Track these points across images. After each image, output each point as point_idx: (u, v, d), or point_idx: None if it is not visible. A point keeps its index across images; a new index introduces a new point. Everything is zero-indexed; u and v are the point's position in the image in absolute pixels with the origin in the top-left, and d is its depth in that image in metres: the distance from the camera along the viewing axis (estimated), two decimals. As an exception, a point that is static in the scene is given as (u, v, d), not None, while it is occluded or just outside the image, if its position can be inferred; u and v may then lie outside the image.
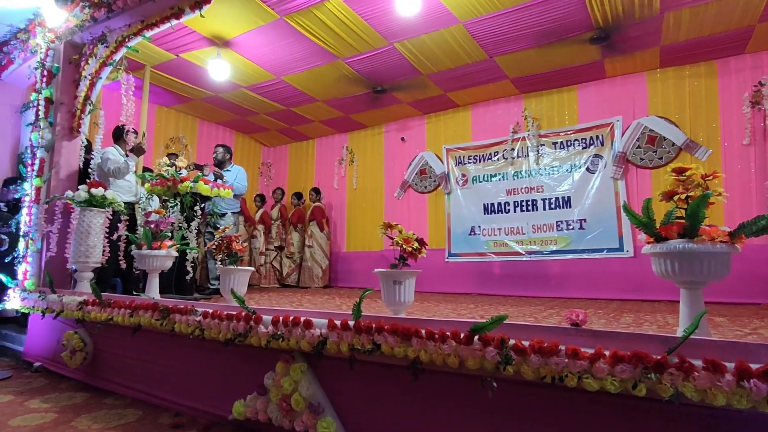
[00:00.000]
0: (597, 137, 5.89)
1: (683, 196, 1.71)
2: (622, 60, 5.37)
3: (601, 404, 1.58)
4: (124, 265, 4.36)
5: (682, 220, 1.71)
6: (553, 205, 6.09)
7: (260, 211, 7.78)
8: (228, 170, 5.62)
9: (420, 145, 7.33)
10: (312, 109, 7.12)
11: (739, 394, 1.32)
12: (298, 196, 7.96)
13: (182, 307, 2.81)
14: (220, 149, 5.77)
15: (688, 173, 1.73)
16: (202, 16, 3.80)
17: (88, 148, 4.87)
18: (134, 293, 3.47)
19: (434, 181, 7.09)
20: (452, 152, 6.97)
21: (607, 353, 1.51)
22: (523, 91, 6.33)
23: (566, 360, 1.55)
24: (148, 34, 4.17)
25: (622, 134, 5.69)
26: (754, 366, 1.33)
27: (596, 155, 5.86)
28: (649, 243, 1.78)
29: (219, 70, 5.39)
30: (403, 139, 7.51)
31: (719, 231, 1.61)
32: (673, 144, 5.38)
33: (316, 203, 7.71)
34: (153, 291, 3.43)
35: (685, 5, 4.24)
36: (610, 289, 5.50)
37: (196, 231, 4.60)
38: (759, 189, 4.89)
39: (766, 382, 1.29)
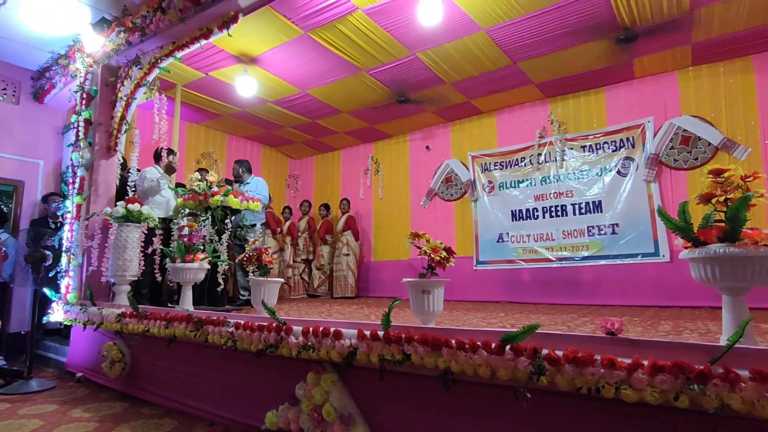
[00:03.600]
0: (627, 139, 5.74)
1: (722, 199, 1.65)
2: (651, 59, 5.24)
3: (641, 416, 1.52)
4: (159, 278, 4.49)
5: (722, 224, 1.65)
6: (583, 210, 5.95)
7: (287, 223, 7.88)
8: (247, 183, 5.72)
9: (445, 152, 7.31)
10: (337, 120, 7.21)
11: (789, 405, 1.26)
12: (326, 207, 8.03)
13: (215, 318, 2.87)
14: (236, 165, 5.90)
15: (726, 174, 1.67)
16: (229, 35, 3.92)
17: (124, 166, 5.08)
18: (169, 305, 3.57)
19: (460, 188, 7.05)
20: (478, 159, 6.92)
21: (645, 363, 1.46)
22: (548, 95, 6.24)
23: (602, 370, 1.50)
24: (179, 54, 4.33)
25: (654, 135, 5.53)
26: (805, 376, 1.27)
27: (627, 158, 5.71)
28: (686, 248, 1.72)
29: (246, 86, 5.53)
30: (427, 147, 7.50)
31: (762, 234, 1.54)
32: (709, 144, 5.19)
33: (348, 213, 7.76)
34: (187, 303, 3.51)
35: (717, 0, 4.11)
36: (646, 295, 5.31)
37: (226, 243, 4.70)
38: (804, 188, 4.65)
39: (819, 393, 1.23)
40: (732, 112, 5.13)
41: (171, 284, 4.88)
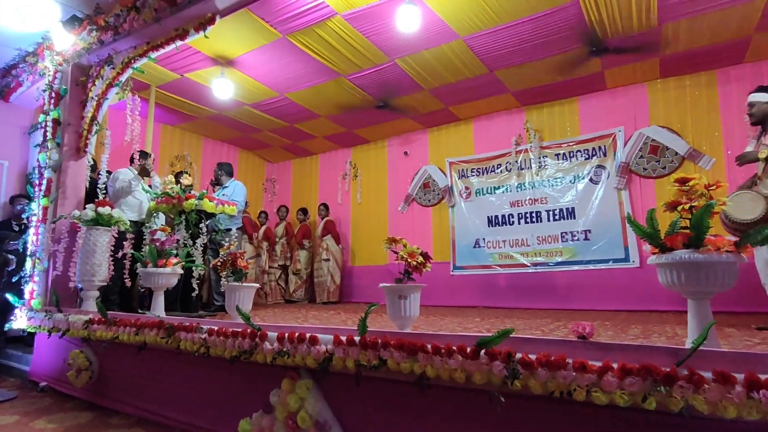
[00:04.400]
0: (599, 148, 5.90)
1: (687, 206, 1.71)
2: (622, 71, 5.41)
3: (611, 418, 1.55)
4: (129, 284, 4.37)
5: (687, 230, 1.71)
6: (557, 217, 6.08)
7: (263, 228, 7.79)
8: (225, 186, 5.66)
9: (423, 158, 7.37)
10: (315, 125, 7.19)
11: (749, 405, 1.31)
12: (304, 211, 7.97)
13: (187, 324, 2.81)
14: (218, 168, 5.84)
15: (691, 183, 1.74)
16: (206, 36, 3.87)
17: (94, 168, 4.94)
18: (139, 311, 3.48)
19: (438, 194, 7.11)
20: (455, 165, 6.99)
21: (615, 366, 1.49)
22: (524, 103, 6.37)
23: (574, 373, 1.53)
24: (154, 55, 4.25)
25: (625, 144, 5.70)
26: (763, 377, 1.32)
27: (599, 166, 5.87)
28: (654, 254, 1.78)
29: (223, 89, 5.47)
30: (406, 153, 7.55)
31: (725, 241, 1.61)
32: (676, 153, 5.38)
33: (327, 218, 7.72)
34: (158, 309, 3.43)
35: (683, 16, 4.28)
36: (617, 300, 5.45)
37: (201, 248, 4.62)
38: (764, 197, 4.85)
39: (777, 393, 1.28)
40: (697, 124, 5.33)
41: (142, 290, 4.75)
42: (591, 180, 5.90)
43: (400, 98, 6.17)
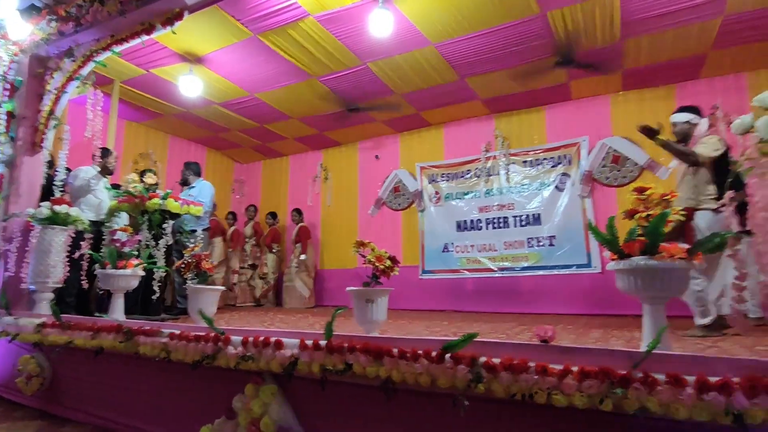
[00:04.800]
0: (565, 156, 6.07)
1: (644, 215, 1.77)
2: (586, 83, 5.59)
3: (570, 420, 1.59)
4: (86, 285, 4.19)
5: (644, 238, 1.77)
6: (523, 222, 6.22)
7: (232, 229, 7.64)
8: (192, 186, 5.52)
9: (394, 162, 7.40)
10: (286, 126, 7.11)
11: (699, 407, 1.36)
12: (273, 215, 7.86)
13: (147, 328, 2.72)
14: (186, 167, 5.70)
15: (648, 192, 1.81)
16: (173, 32, 3.77)
17: (51, 164, 4.72)
18: (97, 315, 3.34)
19: (408, 198, 7.14)
20: (426, 170, 7.05)
21: (575, 369, 1.53)
22: (493, 111, 6.49)
23: (536, 376, 1.56)
24: (118, 49, 4.10)
25: (588, 153, 5.88)
26: (712, 379, 1.38)
27: (564, 174, 6.04)
28: (613, 260, 1.84)
29: (191, 86, 5.34)
30: (377, 156, 7.56)
31: (678, 248, 1.68)
32: (636, 163, 5.60)
33: (301, 224, 7.59)
34: (117, 312, 3.30)
35: (644, 33, 4.47)
36: (579, 304, 5.61)
37: (164, 249, 4.48)
38: (716, 207, 5.11)
39: (724, 395, 1.34)
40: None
41: (101, 292, 4.57)
42: (556, 187, 6.07)
43: (371, 102, 6.18)
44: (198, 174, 5.72)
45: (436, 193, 6.91)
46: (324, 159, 8.17)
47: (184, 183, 5.69)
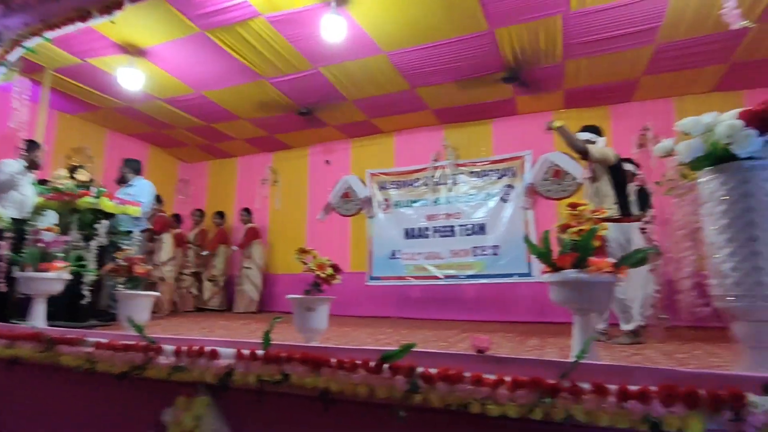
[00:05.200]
0: (509, 169, 6.29)
1: (576, 229, 1.86)
2: (531, 99, 5.84)
3: (502, 428, 1.63)
4: (4, 289, 3.85)
5: (575, 252, 1.86)
6: (469, 231, 6.37)
7: (175, 232, 7.29)
8: (131, 185, 5.24)
9: (344, 168, 7.37)
10: (234, 126, 6.91)
11: (620, 414, 1.43)
12: (221, 215, 7.59)
13: (70, 336, 2.53)
14: (125, 164, 5.40)
15: (580, 208, 1.89)
16: (112, 22, 3.57)
17: (-32, 156, 4.33)
18: (13, 321, 3.08)
19: (357, 204, 7.14)
20: (376, 177, 7.08)
21: (508, 379, 1.57)
22: (443, 121, 6.63)
23: (470, 387, 1.59)
24: (50, 35, 3.83)
25: (532, 167, 6.13)
26: (633, 388, 1.46)
27: (509, 185, 6.26)
28: (546, 272, 1.91)
29: (130, 79, 5.06)
30: (327, 161, 7.51)
31: (605, 262, 1.77)
32: (574, 178, 5.89)
33: (250, 224, 7.36)
34: (38, 318, 3.06)
35: (584, 55, 4.73)
36: (520, 312, 5.80)
37: (96, 251, 4.21)
38: (645, 222, 5.47)
39: (643, 403, 1.41)
40: (593, 152, 5.87)
41: (22, 296, 4.21)
42: (501, 198, 6.27)
43: (323, 106, 6.13)
44: (138, 172, 5.43)
45: (386, 200, 6.95)
46: (274, 162, 8.01)
47: (123, 181, 5.37)
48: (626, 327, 3.40)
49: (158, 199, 7.46)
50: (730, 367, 2.05)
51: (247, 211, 7.46)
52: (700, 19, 4.05)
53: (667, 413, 1.39)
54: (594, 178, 3.76)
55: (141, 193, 5.22)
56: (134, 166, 5.41)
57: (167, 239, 6.55)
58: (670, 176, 1.87)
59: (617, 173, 3.66)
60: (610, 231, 3.27)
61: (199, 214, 7.65)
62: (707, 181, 1.67)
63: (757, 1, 3.74)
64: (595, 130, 3.95)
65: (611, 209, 3.46)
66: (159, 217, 7.15)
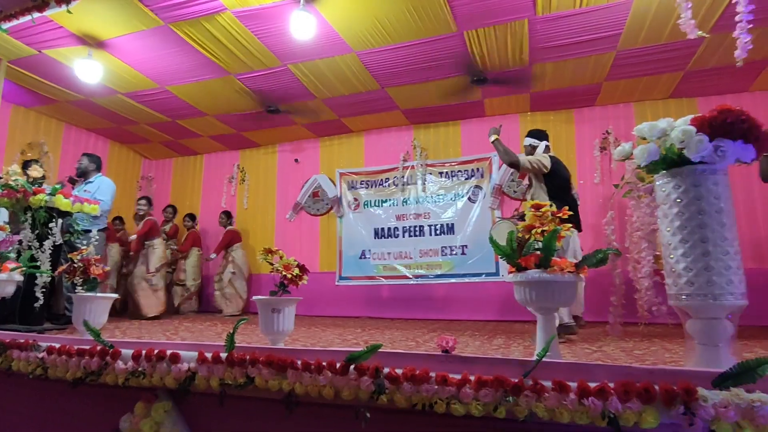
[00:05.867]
0: (477, 170, 6.38)
1: (539, 230, 1.90)
2: (499, 101, 5.94)
3: (467, 427, 1.65)
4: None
5: (539, 252, 1.89)
6: (438, 231, 6.42)
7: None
8: (90, 182, 5.03)
9: (314, 167, 7.30)
10: (200, 123, 6.73)
11: (580, 411, 1.47)
12: (192, 217, 7.30)
13: (22, 341, 2.42)
14: (85, 159, 5.16)
15: (543, 210, 1.93)
16: (69, 12, 3.42)
17: None
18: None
19: (327, 204, 7.08)
20: (345, 176, 7.04)
21: (473, 378, 1.59)
22: (412, 122, 6.65)
23: (436, 387, 1.60)
24: (5, 26, 3.64)
25: (499, 168, 6.23)
26: (592, 384, 1.50)
27: (477, 186, 6.35)
28: (511, 272, 1.94)
29: (89, 71, 4.85)
30: (296, 160, 7.42)
31: (567, 262, 1.81)
32: (540, 179, 6.02)
33: (231, 227, 7.05)
34: (-15, 322, 2.90)
35: (549, 59, 4.84)
36: (487, 311, 5.90)
37: (50, 251, 4.01)
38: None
39: (602, 399, 1.46)
40: (557, 154, 6.01)
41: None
42: (469, 199, 6.35)
43: (291, 104, 6.05)
44: (99, 169, 5.21)
45: (355, 199, 6.92)
46: (241, 160, 7.85)
47: (82, 176, 5.13)
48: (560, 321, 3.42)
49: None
50: (683, 363, 2.14)
51: (226, 214, 7.14)
52: (658, 28, 4.21)
53: (623, 409, 1.44)
54: (530, 186, 3.89)
55: (101, 190, 5.02)
56: (97, 162, 5.19)
57: (158, 244, 6.29)
58: (628, 179, 1.93)
59: (554, 179, 3.78)
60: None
61: (172, 210, 7.32)
62: (662, 184, 1.74)
63: (710, 14, 3.92)
64: (538, 135, 4.07)
65: None
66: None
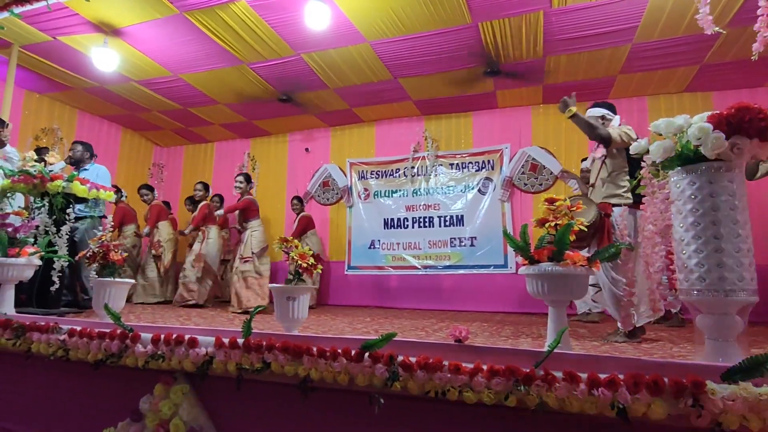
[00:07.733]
0: (488, 161, 6.37)
1: (553, 224, 1.92)
2: (511, 93, 5.91)
3: (478, 415, 1.69)
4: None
5: (552, 245, 1.92)
6: (447, 223, 6.44)
7: (170, 217, 7.02)
8: (85, 169, 5.05)
9: (324, 156, 7.33)
10: (212, 111, 6.77)
11: (590, 401, 1.50)
12: (205, 186, 6.65)
13: (42, 324, 2.49)
14: (79, 147, 5.17)
15: (557, 204, 1.95)
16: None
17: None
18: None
19: (337, 193, 7.12)
20: (356, 166, 7.07)
21: (485, 368, 1.63)
22: (424, 113, 6.64)
23: (449, 375, 1.64)
24: (17, 10, 3.68)
25: (510, 160, 6.22)
26: (602, 376, 1.53)
27: (487, 178, 6.34)
28: (524, 265, 1.97)
29: (105, 59, 4.90)
30: (307, 149, 7.45)
31: (580, 256, 1.84)
32: (551, 172, 6.01)
33: (303, 213, 6.56)
34: (6, 305, 2.97)
35: (564, 52, 4.81)
36: (495, 302, 5.93)
37: (67, 236, 4.09)
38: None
39: (611, 390, 1.49)
40: (569, 147, 6.01)
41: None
42: (479, 191, 6.36)
43: (303, 93, 6.07)
44: (92, 156, 5.23)
45: (365, 189, 6.95)
46: (252, 148, 7.90)
47: (76, 163, 5.14)
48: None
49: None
50: (692, 357, 2.16)
51: (298, 199, 6.71)
52: (675, 21, 4.16)
53: (632, 400, 1.47)
54: (603, 164, 3.28)
55: (99, 178, 5.05)
56: (90, 150, 5.22)
57: (163, 227, 6.33)
58: (643, 174, 1.94)
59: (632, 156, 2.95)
60: (625, 218, 2.99)
61: (202, 187, 6.46)
62: (677, 180, 1.75)
63: (728, 8, 3.87)
64: (610, 106, 3.47)
65: (624, 193, 3.12)
66: (121, 206, 6.44)
